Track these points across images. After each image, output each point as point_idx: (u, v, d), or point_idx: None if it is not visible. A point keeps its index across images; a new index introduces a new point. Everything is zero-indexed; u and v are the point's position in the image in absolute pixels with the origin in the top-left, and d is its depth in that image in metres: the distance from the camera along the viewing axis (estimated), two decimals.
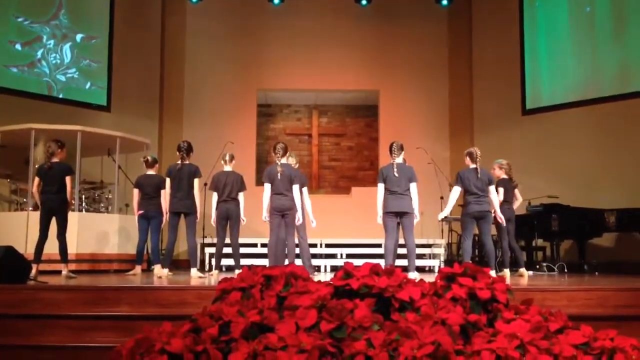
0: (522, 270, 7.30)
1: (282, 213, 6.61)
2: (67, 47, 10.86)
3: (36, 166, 7.09)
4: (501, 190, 7.25)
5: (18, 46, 10.25)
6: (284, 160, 6.73)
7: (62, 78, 10.75)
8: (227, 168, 7.32)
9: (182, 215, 6.93)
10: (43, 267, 6.54)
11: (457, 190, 6.61)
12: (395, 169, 6.40)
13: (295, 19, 12.26)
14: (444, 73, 12.47)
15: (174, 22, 12.24)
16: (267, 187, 6.66)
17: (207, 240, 9.51)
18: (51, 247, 6.47)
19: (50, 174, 6.43)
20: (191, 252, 7.00)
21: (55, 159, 6.51)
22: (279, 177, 6.57)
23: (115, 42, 11.38)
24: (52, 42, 10.66)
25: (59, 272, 6.57)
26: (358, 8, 12.15)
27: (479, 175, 6.55)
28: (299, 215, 6.70)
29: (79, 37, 11.00)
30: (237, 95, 12.13)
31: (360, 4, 12.06)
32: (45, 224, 6.43)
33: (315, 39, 12.24)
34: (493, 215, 6.70)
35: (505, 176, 7.51)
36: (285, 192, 6.59)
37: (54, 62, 10.65)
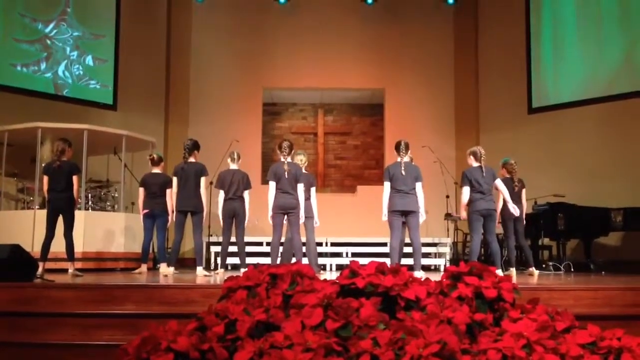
0: (532, 269, 7.28)
1: (286, 212, 6.56)
2: (74, 47, 10.88)
3: (43, 165, 7.11)
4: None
5: (24, 45, 10.26)
6: (289, 159, 6.69)
7: (69, 76, 10.78)
8: (234, 166, 7.33)
9: (189, 214, 6.94)
10: (50, 265, 6.58)
11: (467, 191, 6.58)
12: (402, 168, 6.40)
13: (301, 17, 12.26)
14: (449, 71, 12.44)
15: (180, 20, 12.25)
16: (273, 185, 6.57)
17: (213, 239, 9.52)
18: (58, 245, 6.50)
19: (58, 173, 6.45)
20: (197, 251, 7.00)
21: (63, 158, 6.53)
22: (285, 175, 6.52)
23: (121, 40, 11.40)
24: (59, 41, 10.68)
25: (65, 271, 6.60)
26: (364, 6, 12.15)
27: (484, 173, 6.54)
28: (302, 213, 6.68)
29: (85, 36, 11.03)
30: (242, 94, 12.14)
31: (366, 2, 12.05)
32: (52, 222, 6.46)
33: (321, 37, 12.22)
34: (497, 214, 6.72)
35: (507, 175, 7.50)
36: (291, 191, 6.53)
37: (60, 60, 10.67)
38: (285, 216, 6.58)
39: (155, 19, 11.90)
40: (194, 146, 7.03)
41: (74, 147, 6.84)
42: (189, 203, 6.85)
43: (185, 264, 10.14)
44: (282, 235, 6.78)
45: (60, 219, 6.50)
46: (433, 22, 12.42)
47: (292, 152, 6.78)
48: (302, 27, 12.24)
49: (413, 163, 6.70)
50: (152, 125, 11.15)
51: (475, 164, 6.62)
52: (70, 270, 6.50)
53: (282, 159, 6.60)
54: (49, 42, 10.58)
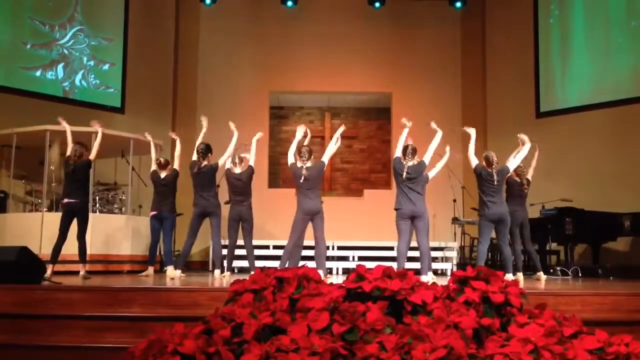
0: (540, 274, 7.24)
1: (311, 216, 6.51)
2: (90, 57, 10.96)
3: (63, 167, 7.14)
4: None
5: (33, 48, 10.32)
6: (309, 164, 6.60)
7: (85, 85, 10.86)
8: (238, 170, 7.34)
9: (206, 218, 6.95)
10: (57, 267, 6.59)
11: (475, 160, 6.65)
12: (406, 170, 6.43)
13: (308, 22, 12.27)
14: (457, 76, 12.41)
15: (188, 25, 12.28)
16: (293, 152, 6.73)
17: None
18: (66, 248, 6.52)
19: (73, 177, 6.48)
20: (216, 252, 7.13)
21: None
22: (303, 179, 6.47)
23: (129, 44, 11.45)
24: (77, 51, 10.76)
25: (73, 273, 6.62)
26: (371, 10, 12.14)
27: (495, 178, 6.52)
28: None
29: (94, 40, 11.09)
30: (249, 98, 12.15)
31: (373, 6, 12.05)
32: (66, 225, 6.47)
33: (327, 41, 12.22)
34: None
35: (516, 178, 7.49)
36: (312, 196, 6.50)
37: (77, 70, 10.75)
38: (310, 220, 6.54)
39: (163, 24, 11.93)
40: (207, 149, 7.09)
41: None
42: (209, 204, 6.89)
43: (191, 267, 10.14)
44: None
45: (74, 223, 6.51)
46: (440, 26, 12.39)
47: (311, 157, 6.73)
48: (309, 31, 12.25)
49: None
50: (160, 129, 11.11)
51: (488, 170, 6.62)
52: (81, 272, 6.52)
53: (301, 164, 6.56)
54: (66, 51, 10.64)
